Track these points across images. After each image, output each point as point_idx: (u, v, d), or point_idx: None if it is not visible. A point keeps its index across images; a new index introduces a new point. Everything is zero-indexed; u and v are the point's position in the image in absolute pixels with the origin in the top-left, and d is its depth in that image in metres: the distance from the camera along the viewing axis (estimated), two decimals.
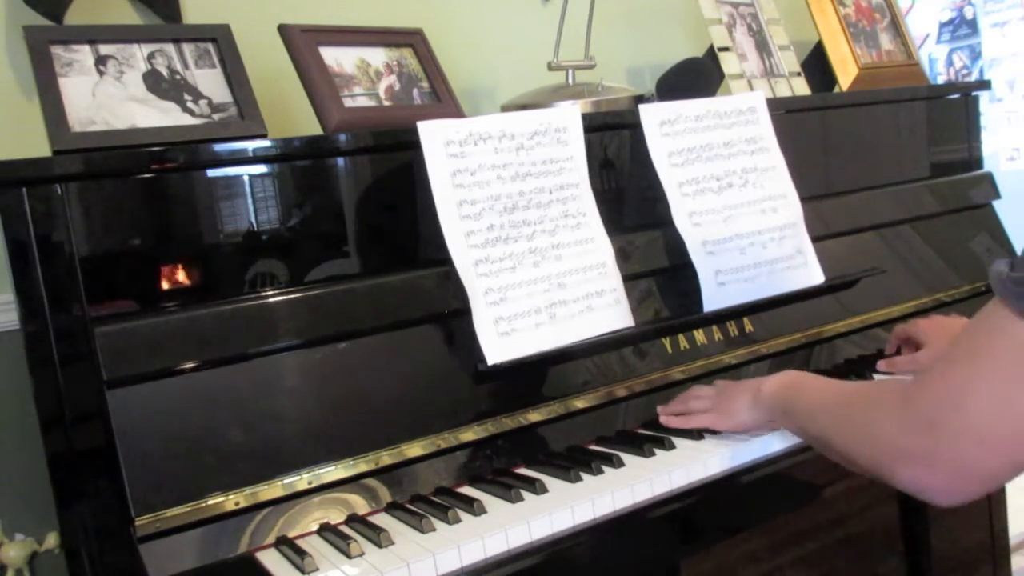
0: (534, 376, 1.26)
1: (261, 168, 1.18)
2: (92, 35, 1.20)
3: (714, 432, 1.23)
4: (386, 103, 1.38)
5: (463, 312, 1.22)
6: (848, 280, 1.56)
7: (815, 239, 1.54)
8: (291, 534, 1.06)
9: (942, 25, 3.48)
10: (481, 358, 1.21)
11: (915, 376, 0.86)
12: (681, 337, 1.39)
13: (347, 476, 1.11)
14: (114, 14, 1.48)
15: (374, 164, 1.26)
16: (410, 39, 1.47)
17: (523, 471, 1.19)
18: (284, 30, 1.33)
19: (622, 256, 1.37)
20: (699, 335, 1.41)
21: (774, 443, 1.20)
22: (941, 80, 3.46)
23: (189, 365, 1.07)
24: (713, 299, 1.41)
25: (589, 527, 1.05)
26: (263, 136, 1.23)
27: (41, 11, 1.37)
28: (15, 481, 1.40)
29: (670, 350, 1.37)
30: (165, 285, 1.11)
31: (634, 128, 1.44)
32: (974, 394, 0.77)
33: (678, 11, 2.12)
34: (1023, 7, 3.25)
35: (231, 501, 1.04)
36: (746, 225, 1.47)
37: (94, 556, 1.03)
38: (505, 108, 1.63)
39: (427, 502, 1.11)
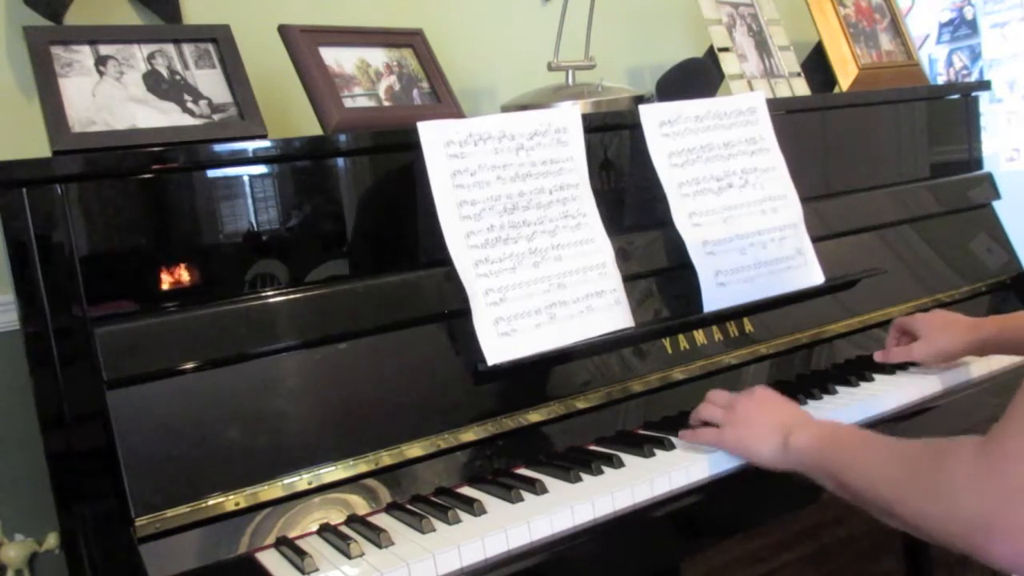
0: (534, 376, 1.26)
1: (261, 168, 1.18)
2: (92, 35, 1.20)
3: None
4: (386, 103, 1.38)
5: (463, 312, 1.22)
6: (848, 280, 1.56)
7: (815, 239, 1.54)
8: (291, 534, 1.06)
9: (942, 26, 3.48)
10: (481, 358, 1.21)
11: (987, 436, 0.79)
12: (681, 337, 1.39)
13: (347, 476, 1.11)
14: (114, 14, 1.48)
15: (374, 164, 1.26)
16: (410, 39, 1.47)
17: (523, 471, 1.19)
18: (284, 30, 1.33)
19: (622, 256, 1.37)
20: (699, 335, 1.41)
21: None
22: (941, 80, 3.46)
23: (189, 365, 1.07)
24: (713, 299, 1.41)
25: (589, 527, 1.05)
26: (263, 136, 1.23)
27: (41, 11, 1.37)
28: (15, 481, 1.40)
29: (670, 350, 1.37)
30: (165, 285, 1.11)
31: (634, 128, 1.44)
32: None
33: (678, 11, 2.12)
34: (1023, 7, 3.24)
35: (231, 501, 1.04)
36: (746, 225, 1.47)
37: (94, 556, 1.03)
38: (505, 108, 1.63)
39: (427, 502, 1.11)
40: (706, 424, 1.20)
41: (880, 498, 0.91)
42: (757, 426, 1.12)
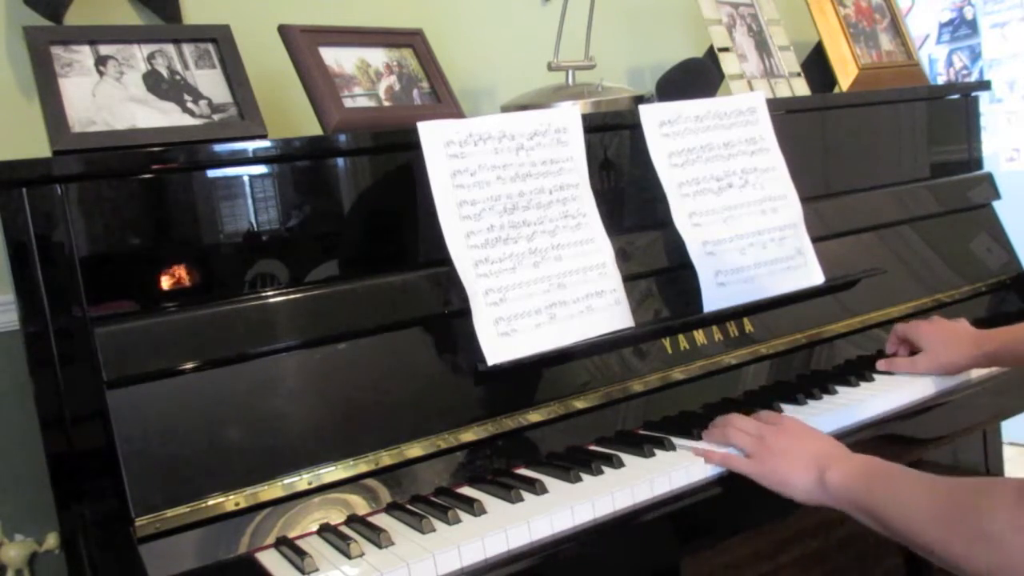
0: (534, 376, 1.26)
1: (261, 168, 1.18)
2: (92, 35, 1.20)
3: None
4: (386, 103, 1.38)
5: (463, 312, 1.22)
6: (848, 280, 1.55)
7: (815, 239, 1.54)
8: (291, 534, 1.06)
9: (942, 26, 3.48)
10: (481, 358, 1.21)
11: None
12: (681, 337, 1.39)
13: (347, 476, 1.11)
14: (114, 14, 1.48)
15: (374, 164, 1.26)
16: (410, 39, 1.47)
17: (523, 471, 1.19)
18: (284, 30, 1.33)
19: (622, 256, 1.37)
20: (699, 335, 1.41)
21: None
22: (941, 80, 3.46)
23: (189, 365, 1.07)
24: (713, 299, 1.41)
25: (589, 527, 1.05)
26: (263, 136, 1.23)
27: (41, 11, 1.37)
28: (15, 481, 1.40)
29: (670, 350, 1.37)
30: (165, 285, 1.11)
31: (634, 128, 1.44)
32: None
33: (678, 11, 2.12)
34: (1023, 7, 3.25)
35: (231, 501, 1.04)
36: (746, 225, 1.47)
37: (94, 556, 1.03)
38: (505, 108, 1.63)
39: (427, 502, 1.11)
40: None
41: (920, 539, 0.92)
42: (792, 459, 1.10)
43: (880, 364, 1.45)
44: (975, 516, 0.83)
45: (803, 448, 1.11)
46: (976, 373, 1.44)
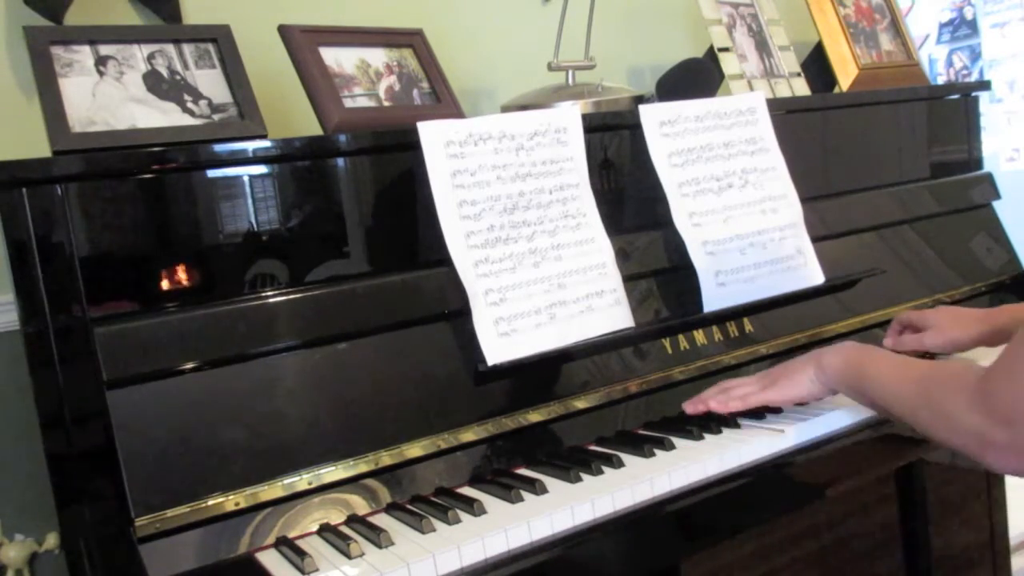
0: (534, 376, 1.26)
1: (261, 168, 1.18)
2: (92, 35, 1.20)
3: (715, 431, 1.23)
4: (386, 103, 1.39)
5: (463, 312, 1.22)
6: (848, 280, 1.56)
7: (815, 239, 1.54)
8: (291, 534, 1.06)
9: (942, 25, 3.48)
10: (481, 358, 1.21)
11: (987, 368, 0.96)
12: (681, 337, 1.39)
13: (347, 476, 1.11)
14: (114, 14, 1.48)
15: (374, 164, 1.26)
16: (410, 39, 1.47)
17: (523, 471, 1.19)
18: (284, 30, 1.33)
19: (622, 256, 1.37)
20: (699, 335, 1.41)
21: (773, 444, 1.20)
22: (941, 80, 3.46)
23: (189, 365, 1.07)
24: (713, 299, 1.42)
25: (589, 527, 1.05)
26: (263, 136, 1.23)
27: (41, 11, 1.37)
28: (15, 481, 1.40)
29: (670, 350, 1.37)
30: (165, 285, 1.11)
31: (634, 128, 1.44)
32: None
33: (678, 11, 2.12)
34: (1023, 7, 3.24)
35: (231, 501, 1.04)
36: (746, 225, 1.47)
37: (94, 556, 1.03)
38: (505, 108, 1.63)
39: (427, 502, 1.11)
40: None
41: (900, 415, 1.10)
42: (794, 370, 1.25)
43: (887, 342, 1.45)
44: (941, 399, 1.01)
45: (798, 361, 1.27)
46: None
